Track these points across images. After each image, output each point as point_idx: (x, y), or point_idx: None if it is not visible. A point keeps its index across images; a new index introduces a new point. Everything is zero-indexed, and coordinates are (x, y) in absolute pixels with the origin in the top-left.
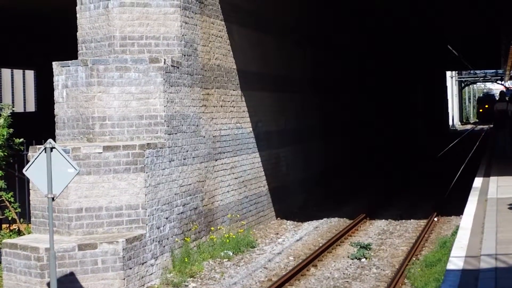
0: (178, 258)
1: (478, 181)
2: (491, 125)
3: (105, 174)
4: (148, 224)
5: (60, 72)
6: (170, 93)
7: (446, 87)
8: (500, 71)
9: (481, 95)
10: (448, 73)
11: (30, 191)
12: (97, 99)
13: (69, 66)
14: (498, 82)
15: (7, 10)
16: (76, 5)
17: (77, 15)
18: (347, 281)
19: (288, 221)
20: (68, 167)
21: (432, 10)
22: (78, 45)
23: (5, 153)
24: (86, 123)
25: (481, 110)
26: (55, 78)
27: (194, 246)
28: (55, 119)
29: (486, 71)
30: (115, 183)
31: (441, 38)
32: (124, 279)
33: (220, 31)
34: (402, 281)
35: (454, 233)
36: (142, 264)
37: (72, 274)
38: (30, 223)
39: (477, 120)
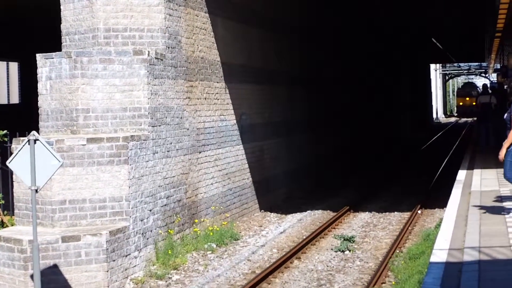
0: (162, 250)
1: (461, 174)
2: (475, 118)
3: (89, 166)
4: (131, 216)
5: (44, 64)
6: (154, 85)
7: (430, 79)
8: (484, 64)
9: (462, 85)
10: (432, 66)
11: (14, 183)
12: (81, 91)
13: (53, 58)
14: (482, 75)
15: None
16: None
17: (61, 7)
18: (331, 274)
19: (272, 214)
20: (51, 159)
21: (417, 2)
22: (62, 37)
23: None
24: (70, 115)
25: (461, 103)
26: (39, 70)
27: (178, 239)
28: (39, 111)
29: (470, 64)
30: (98, 175)
31: (425, 30)
32: (107, 271)
33: (204, 23)
34: (385, 274)
35: (438, 225)
36: (126, 256)
37: (55, 266)
38: (13, 215)
39: (455, 114)
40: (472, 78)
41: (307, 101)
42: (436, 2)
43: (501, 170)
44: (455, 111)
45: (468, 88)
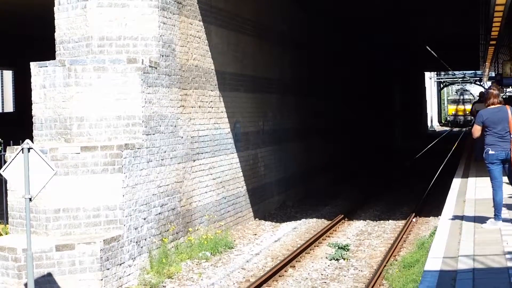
0: (156, 258)
1: (456, 182)
2: (470, 127)
3: (83, 175)
4: (125, 225)
5: (38, 72)
6: (148, 94)
7: (425, 88)
8: (479, 72)
9: (455, 92)
10: (428, 74)
11: (8, 191)
12: (75, 99)
13: (46, 66)
14: (476, 83)
15: None
16: (54, 6)
17: (55, 16)
18: (325, 282)
19: (266, 222)
20: (45, 167)
21: (411, 10)
22: (56, 45)
23: None
24: (64, 124)
25: (453, 112)
26: (33, 79)
27: (172, 247)
28: (33, 120)
29: (465, 72)
30: (92, 184)
31: (420, 39)
32: (101, 279)
33: (198, 31)
34: (380, 282)
35: (432, 234)
36: (120, 264)
37: (49, 274)
38: (7, 223)
39: (447, 122)
40: (465, 85)
41: (299, 110)
42: (431, 11)
43: None
44: (447, 120)
45: (461, 95)
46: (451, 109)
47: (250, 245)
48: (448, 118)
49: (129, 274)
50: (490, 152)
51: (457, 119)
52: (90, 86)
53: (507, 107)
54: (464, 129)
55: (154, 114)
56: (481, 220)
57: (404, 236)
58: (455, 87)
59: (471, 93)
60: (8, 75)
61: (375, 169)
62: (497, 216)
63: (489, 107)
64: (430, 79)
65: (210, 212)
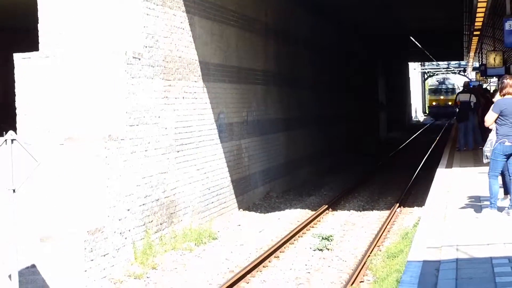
0: (140, 250)
1: (440, 172)
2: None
3: (67, 166)
4: (109, 216)
5: (21, 63)
6: (131, 85)
7: (409, 78)
8: (463, 63)
9: (436, 81)
10: (412, 65)
11: None
12: (58, 91)
13: (30, 58)
14: (460, 73)
15: None
16: None
17: (38, 7)
18: (309, 272)
19: (251, 213)
20: (29, 159)
21: (396, 2)
22: (40, 36)
23: None
24: (47, 115)
25: (434, 103)
26: (16, 70)
27: (156, 238)
28: (16, 111)
29: (449, 62)
30: (76, 175)
31: (404, 29)
32: (85, 271)
33: (182, 22)
34: (364, 272)
35: (416, 224)
36: (104, 256)
37: (33, 266)
38: None
39: (426, 116)
40: (448, 74)
41: (284, 101)
42: (415, 1)
43: (480, 169)
44: (428, 111)
45: (442, 84)
46: (431, 99)
47: (235, 235)
48: (429, 110)
49: (113, 265)
50: (507, 143)
51: (438, 111)
52: (73, 77)
53: None
54: (448, 120)
55: (137, 105)
56: (465, 210)
57: (388, 226)
58: (436, 76)
59: (452, 83)
60: None
61: (359, 160)
62: (493, 204)
63: (506, 97)
64: (414, 70)
65: (194, 203)
